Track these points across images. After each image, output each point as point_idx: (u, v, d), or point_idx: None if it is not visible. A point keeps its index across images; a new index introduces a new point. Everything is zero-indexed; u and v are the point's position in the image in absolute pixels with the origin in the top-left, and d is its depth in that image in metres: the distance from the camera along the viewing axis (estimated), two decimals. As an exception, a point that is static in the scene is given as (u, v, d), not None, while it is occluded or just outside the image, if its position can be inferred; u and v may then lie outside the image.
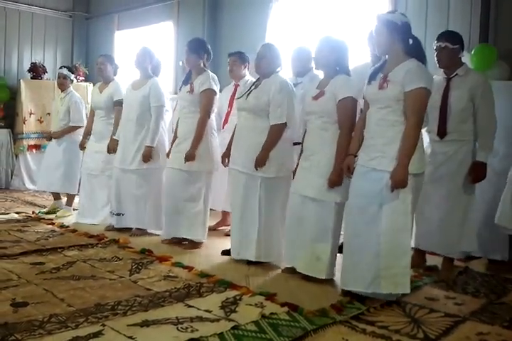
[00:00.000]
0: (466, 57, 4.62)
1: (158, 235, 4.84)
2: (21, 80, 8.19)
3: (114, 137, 5.11)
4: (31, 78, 8.42)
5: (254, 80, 4.19)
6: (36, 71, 8.43)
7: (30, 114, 8.05)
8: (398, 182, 2.94)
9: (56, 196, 6.12)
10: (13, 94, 8.26)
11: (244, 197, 3.91)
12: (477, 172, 3.64)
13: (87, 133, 5.67)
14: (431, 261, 4.02)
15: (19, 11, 8.81)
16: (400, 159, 2.95)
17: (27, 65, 8.63)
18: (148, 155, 4.78)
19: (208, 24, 7.37)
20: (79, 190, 5.98)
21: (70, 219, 5.60)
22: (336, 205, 3.49)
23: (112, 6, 9.04)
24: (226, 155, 4.22)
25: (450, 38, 3.69)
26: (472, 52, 4.66)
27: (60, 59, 9.37)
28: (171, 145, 4.65)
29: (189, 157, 4.33)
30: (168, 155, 4.66)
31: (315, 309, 2.96)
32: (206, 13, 7.40)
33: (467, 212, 3.70)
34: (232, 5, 7.22)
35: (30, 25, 8.98)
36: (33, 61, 8.63)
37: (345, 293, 3.25)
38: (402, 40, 3.07)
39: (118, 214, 4.98)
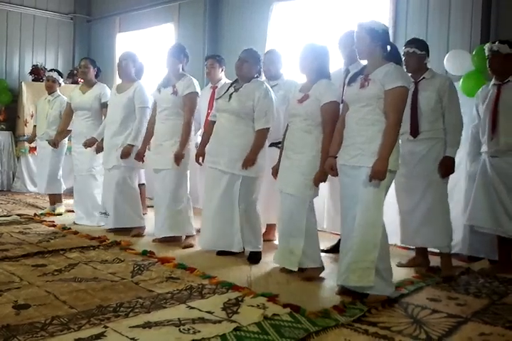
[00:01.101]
0: (467, 58, 4.65)
1: (159, 237, 4.85)
2: (23, 82, 8.22)
3: (95, 136, 5.18)
4: (32, 80, 8.45)
5: (231, 82, 4.32)
6: (37, 73, 8.46)
7: (32, 116, 8.05)
8: (377, 172, 3.05)
9: (52, 200, 6.16)
10: (15, 96, 8.30)
11: (224, 194, 4.10)
12: (447, 166, 3.80)
13: (62, 133, 5.75)
14: (434, 262, 4.01)
15: (21, 14, 8.85)
16: (381, 152, 3.07)
17: (28, 68, 8.66)
18: (127, 153, 4.84)
19: (209, 26, 7.39)
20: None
21: (67, 216, 5.70)
22: (309, 203, 3.65)
23: (114, 8, 9.07)
24: (201, 154, 4.37)
25: (418, 45, 3.88)
26: (473, 53, 4.66)
27: (62, 61, 9.41)
28: (143, 145, 4.79)
29: (180, 156, 4.45)
30: (139, 154, 4.79)
31: (317, 310, 2.95)
32: (207, 16, 7.42)
33: (445, 205, 3.86)
34: (232, 7, 7.23)
35: (31, 28, 9.02)
36: (35, 63, 8.66)
37: (342, 291, 3.30)
38: (381, 47, 3.24)
39: (105, 214, 5.09)
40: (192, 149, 4.62)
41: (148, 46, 8.24)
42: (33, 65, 8.59)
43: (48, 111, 5.99)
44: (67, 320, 2.73)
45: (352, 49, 3.54)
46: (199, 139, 4.90)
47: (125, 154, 4.85)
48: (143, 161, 4.90)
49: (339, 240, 4.32)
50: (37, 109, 6.31)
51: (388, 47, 3.25)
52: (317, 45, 3.72)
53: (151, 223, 5.22)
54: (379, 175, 3.05)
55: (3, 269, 3.67)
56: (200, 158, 4.40)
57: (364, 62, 3.45)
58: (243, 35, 6.89)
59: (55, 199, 6.13)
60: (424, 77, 3.87)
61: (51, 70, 6.27)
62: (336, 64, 4.36)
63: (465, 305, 3.18)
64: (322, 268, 3.73)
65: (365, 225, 3.11)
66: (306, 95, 3.63)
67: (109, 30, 9.18)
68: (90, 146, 5.21)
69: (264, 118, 4.03)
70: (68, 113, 5.67)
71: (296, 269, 3.66)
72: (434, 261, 4.00)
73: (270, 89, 4.15)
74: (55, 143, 5.81)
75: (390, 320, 2.90)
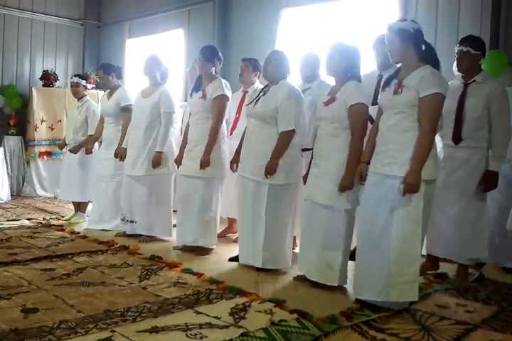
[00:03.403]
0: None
1: (168, 241, 4.88)
2: (33, 88, 8.26)
3: (122, 145, 5.13)
4: (43, 86, 8.50)
5: (262, 87, 4.19)
6: (48, 79, 8.51)
7: (42, 121, 8.12)
8: (410, 186, 2.93)
9: (77, 207, 6.09)
10: (25, 101, 8.34)
11: (252, 204, 3.93)
12: (489, 181, 3.63)
13: (95, 140, 5.75)
14: (442, 268, 3.98)
15: (31, 20, 8.91)
16: (413, 164, 2.95)
17: (39, 73, 8.71)
18: (157, 161, 4.80)
19: (218, 32, 7.40)
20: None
21: (82, 225, 5.62)
22: (345, 212, 3.48)
23: (123, 14, 9.12)
24: (235, 161, 4.24)
25: (473, 44, 3.66)
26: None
27: (72, 67, 9.46)
28: (180, 151, 4.66)
29: (204, 163, 4.31)
30: (178, 161, 4.66)
31: (324, 316, 2.94)
32: (216, 21, 7.43)
33: (479, 219, 3.68)
34: (242, 12, 7.25)
35: (42, 34, 9.08)
36: (45, 69, 8.71)
37: (358, 301, 3.23)
38: (415, 47, 3.05)
39: (132, 222, 5.00)
40: (226, 155, 4.49)
41: (157, 52, 8.26)
42: (44, 71, 8.64)
43: (76, 117, 5.95)
44: (74, 324, 2.73)
45: (385, 54, 3.32)
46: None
47: (156, 163, 4.80)
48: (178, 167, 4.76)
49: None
50: (67, 116, 6.29)
51: (423, 47, 3.05)
52: (345, 45, 3.55)
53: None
54: (412, 188, 2.93)
55: (12, 273, 3.68)
56: (234, 165, 4.25)
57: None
58: (252, 41, 6.89)
59: (80, 207, 6.02)
60: (474, 80, 3.67)
61: (72, 76, 6.23)
62: (369, 66, 4.23)
63: (474, 312, 3.16)
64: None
65: (402, 237, 2.98)
66: (332, 98, 3.51)
67: (119, 36, 9.23)
68: (120, 157, 5.12)
69: (285, 120, 3.81)
70: (102, 120, 5.66)
71: (336, 284, 3.49)
72: (443, 268, 3.98)
73: (297, 89, 3.95)
74: (87, 150, 5.75)
75: (397, 326, 2.89)
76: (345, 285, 3.57)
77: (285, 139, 3.85)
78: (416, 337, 2.75)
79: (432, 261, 3.99)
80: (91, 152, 5.76)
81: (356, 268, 3.25)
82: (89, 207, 5.91)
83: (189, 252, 4.48)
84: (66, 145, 6.08)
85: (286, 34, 6.57)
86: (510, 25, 4.95)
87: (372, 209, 3.11)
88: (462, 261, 3.77)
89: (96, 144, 5.89)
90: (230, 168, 4.36)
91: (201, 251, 4.48)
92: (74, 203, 6.09)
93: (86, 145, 5.74)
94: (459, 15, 5.26)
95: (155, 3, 8.43)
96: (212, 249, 4.54)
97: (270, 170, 3.81)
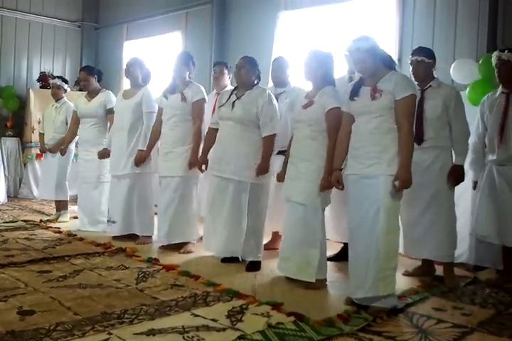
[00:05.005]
0: (474, 67, 4.65)
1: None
2: (30, 89, 8.27)
3: (105, 146, 5.22)
4: (40, 87, 8.51)
5: (232, 89, 4.32)
6: (45, 80, 8.51)
7: (39, 123, 8.10)
8: (404, 182, 3.07)
9: (58, 207, 6.17)
10: (22, 103, 8.35)
11: (232, 203, 4.10)
12: (456, 175, 3.80)
13: (70, 141, 5.83)
14: (439, 271, 3.99)
15: (29, 21, 8.92)
16: (402, 162, 3.09)
17: (36, 75, 8.72)
18: (140, 159, 4.86)
19: (216, 34, 7.42)
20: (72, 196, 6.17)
21: (72, 223, 5.73)
22: (321, 211, 3.63)
23: (121, 16, 9.13)
24: (203, 162, 4.41)
25: (426, 53, 3.89)
26: (480, 62, 4.66)
27: (69, 69, 9.46)
28: (149, 150, 4.86)
29: (193, 163, 4.48)
30: (143, 159, 4.83)
31: (321, 319, 2.94)
32: (214, 24, 7.46)
33: (451, 215, 3.84)
34: (240, 15, 7.27)
35: (39, 35, 9.09)
36: (42, 70, 8.72)
37: (350, 302, 3.25)
38: (381, 58, 3.24)
39: (114, 222, 5.06)
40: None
41: (155, 54, 8.28)
42: (41, 72, 8.64)
43: (54, 117, 6.06)
44: (71, 326, 2.73)
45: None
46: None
47: (139, 161, 4.86)
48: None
49: (342, 248, 4.34)
50: (44, 116, 6.38)
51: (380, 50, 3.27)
52: (321, 52, 3.72)
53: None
54: (406, 184, 3.08)
55: (8, 275, 3.68)
56: (203, 166, 4.42)
57: None
58: (250, 44, 6.90)
59: (61, 205, 6.15)
60: (430, 86, 3.87)
61: (55, 77, 6.34)
62: (339, 71, 4.32)
63: (470, 315, 3.17)
64: (325, 280, 3.71)
65: (387, 233, 3.10)
66: (310, 101, 3.65)
67: (117, 38, 9.23)
68: (105, 158, 5.22)
69: (270, 125, 4.04)
70: (75, 121, 5.71)
71: (314, 281, 3.60)
72: (440, 271, 3.98)
73: (272, 95, 4.17)
74: (62, 151, 5.83)
75: (394, 329, 2.89)
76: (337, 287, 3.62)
77: (271, 142, 4.09)
78: (413, 340, 2.74)
79: (428, 265, 4.02)
80: (65, 152, 5.84)
81: (350, 268, 3.28)
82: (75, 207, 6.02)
83: (176, 250, 4.61)
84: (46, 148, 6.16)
85: (284, 37, 6.59)
86: (507, 28, 4.97)
87: (360, 210, 3.20)
88: (444, 260, 3.86)
89: (72, 146, 5.99)
90: (198, 168, 4.48)
91: (185, 248, 4.63)
92: (56, 202, 6.19)
93: (62, 147, 5.81)
94: (456, 18, 5.28)
95: (153, 5, 8.45)
96: (191, 243, 4.68)
97: (263, 170, 4.03)
